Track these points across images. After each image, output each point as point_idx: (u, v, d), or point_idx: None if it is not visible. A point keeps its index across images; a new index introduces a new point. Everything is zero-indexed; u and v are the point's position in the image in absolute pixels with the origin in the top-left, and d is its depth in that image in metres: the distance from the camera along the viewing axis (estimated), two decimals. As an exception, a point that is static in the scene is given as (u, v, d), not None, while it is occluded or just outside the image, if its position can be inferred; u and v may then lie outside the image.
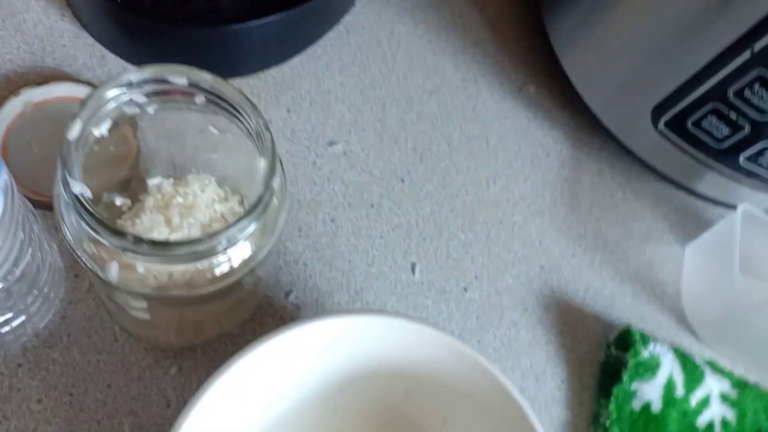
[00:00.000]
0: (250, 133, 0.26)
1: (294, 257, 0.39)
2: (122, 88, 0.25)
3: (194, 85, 0.26)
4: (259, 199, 0.25)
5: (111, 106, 0.25)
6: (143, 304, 0.27)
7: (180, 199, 0.32)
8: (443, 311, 0.40)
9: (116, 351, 0.35)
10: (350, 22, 0.47)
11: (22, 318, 0.32)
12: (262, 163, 0.26)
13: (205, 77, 0.26)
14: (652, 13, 0.40)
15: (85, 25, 0.42)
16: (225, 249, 0.25)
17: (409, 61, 0.47)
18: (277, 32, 0.42)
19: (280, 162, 0.29)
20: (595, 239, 0.44)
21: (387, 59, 0.46)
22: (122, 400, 0.34)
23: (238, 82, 0.43)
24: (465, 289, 0.40)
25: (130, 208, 0.34)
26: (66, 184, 0.23)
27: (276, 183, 0.26)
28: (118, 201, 0.33)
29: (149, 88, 0.26)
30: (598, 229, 0.44)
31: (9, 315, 0.31)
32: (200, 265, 0.25)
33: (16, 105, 0.39)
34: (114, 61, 0.42)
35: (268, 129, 0.26)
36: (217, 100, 0.26)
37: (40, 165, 0.38)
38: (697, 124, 0.38)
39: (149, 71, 0.25)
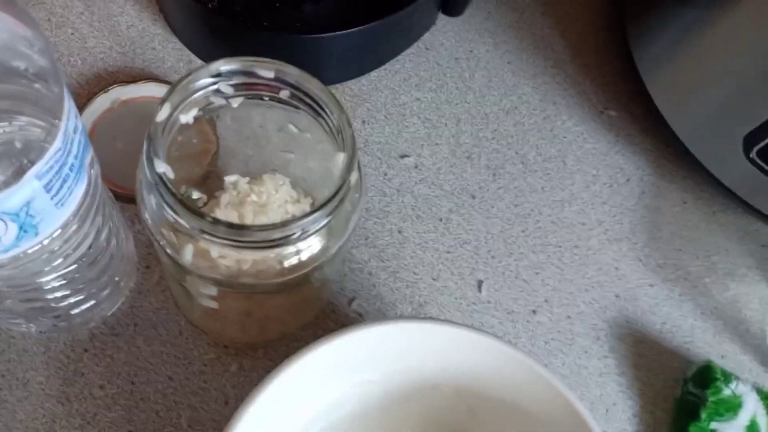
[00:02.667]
0: (331, 130, 0.26)
1: (359, 265, 0.39)
2: (212, 77, 0.26)
3: (280, 79, 0.26)
4: (336, 192, 0.24)
5: (199, 94, 0.26)
6: (213, 290, 0.27)
7: (254, 198, 0.33)
8: (510, 332, 0.38)
9: (180, 344, 0.36)
10: (430, 40, 0.47)
11: (92, 302, 0.33)
12: (341, 157, 0.25)
13: (292, 71, 0.26)
14: (748, 38, 0.38)
15: (175, 30, 0.44)
16: (298, 239, 0.24)
17: (487, 79, 0.46)
18: (358, 44, 0.42)
19: (358, 162, 0.29)
20: (675, 271, 0.41)
21: (464, 77, 0.46)
22: (182, 394, 0.35)
23: (316, 92, 0.44)
24: (534, 312, 0.39)
25: (205, 204, 0.34)
26: (151, 164, 0.23)
27: (353, 178, 0.25)
28: (195, 195, 0.34)
29: (237, 79, 0.26)
30: (679, 260, 0.42)
31: (80, 297, 0.32)
32: (271, 254, 0.25)
33: (104, 101, 0.40)
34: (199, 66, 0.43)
35: (349, 124, 0.26)
36: (301, 95, 0.26)
37: (123, 160, 0.39)
38: (795, 151, 0.36)
39: (239, 62, 0.26)
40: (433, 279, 0.39)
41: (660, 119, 0.43)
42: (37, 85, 0.22)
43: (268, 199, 0.33)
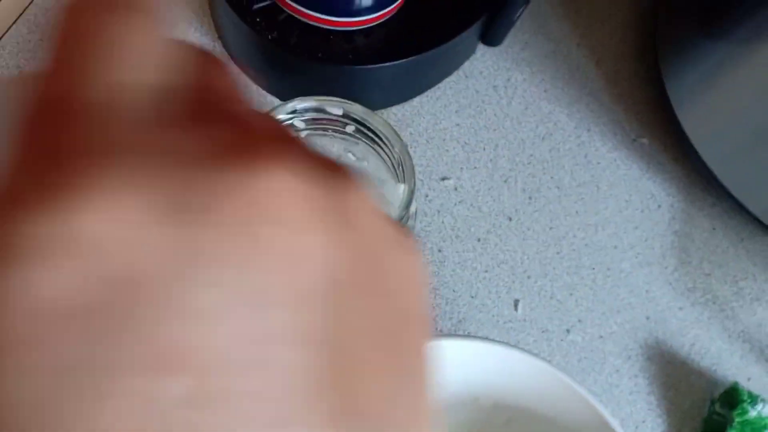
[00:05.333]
0: (391, 161, 0.29)
1: (402, 282, 0.41)
2: (289, 114, 0.29)
3: (347, 116, 0.29)
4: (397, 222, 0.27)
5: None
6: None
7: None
8: (544, 350, 0.40)
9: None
10: (469, 68, 0.50)
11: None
12: (401, 188, 0.28)
13: (357, 108, 0.29)
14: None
15: (232, 56, 0.47)
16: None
17: (524, 107, 0.49)
18: (404, 74, 0.45)
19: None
20: (704, 294, 0.43)
21: (502, 104, 0.49)
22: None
23: (362, 116, 0.47)
24: (567, 331, 0.41)
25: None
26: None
27: (413, 208, 0.28)
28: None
29: (308, 115, 0.29)
30: (707, 284, 0.43)
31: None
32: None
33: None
34: (255, 92, 0.46)
35: (409, 155, 0.28)
36: (364, 130, 0.29)
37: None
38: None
39: (312, 101, 0.29)
40: (472, 296, 0.41)
41: (690, 148, 0.45)
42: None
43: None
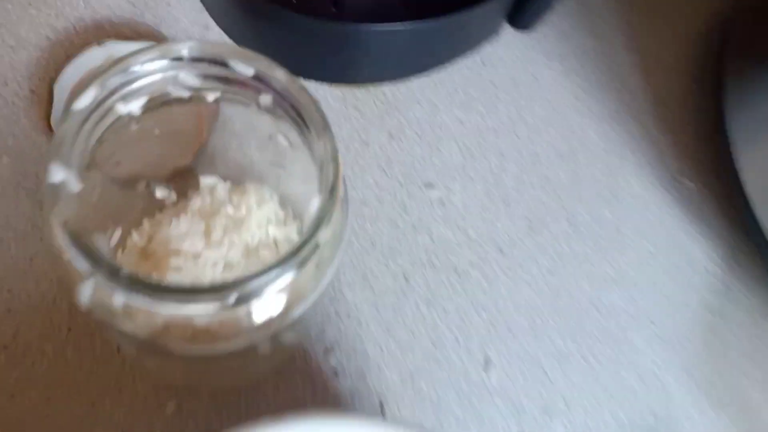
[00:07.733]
0: (314, 159, 0.19)
1: (348, 309, 0.32)
2: (167, 61, 0.19)
3: (262, 80, 0.19)
4: (297, 250, 0.18)
5: (149, 80, 0.19)
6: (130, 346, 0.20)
7: (230, 210, 0.26)
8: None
9: (115, 364, 0.29)
10: (489, 54, 0.40)
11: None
12: (315, 203, 0.18)
13: (279, 75, 0.19)
14: None
15: (210, 12, 0.37)
16: (233, 305, 0.18)
17: (547, 113, 0.39)
18: (402, 43, 0.35)
19: (345, 204, 0.22)
20: (732, 395, 0.33)
21: (520, 105, 0.39)
22: (102, 427, 0.28)
23: (343, 90, 0.37)
24: (548, 414, 0.31)
25: (175, 204, 0.28)
26: (48, 169, 0.17)
27: (325, 235, 0.18)
28: (159, 193, 0.27)
29: (205, 69, 0.19)
30: (739, 384, 0.34)
31: None
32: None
33: (97, 55, 0.34)
34: (217, 34, 0.37)
35: (335, 160, 0.19)
36: (286, 106, 0.20)
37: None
38: None
39: (209, 48, 0.19)
40: (433, 344, 0.32)
41: (747, 206, 0.35)
42: None
43: (247, 214, 0.27)
